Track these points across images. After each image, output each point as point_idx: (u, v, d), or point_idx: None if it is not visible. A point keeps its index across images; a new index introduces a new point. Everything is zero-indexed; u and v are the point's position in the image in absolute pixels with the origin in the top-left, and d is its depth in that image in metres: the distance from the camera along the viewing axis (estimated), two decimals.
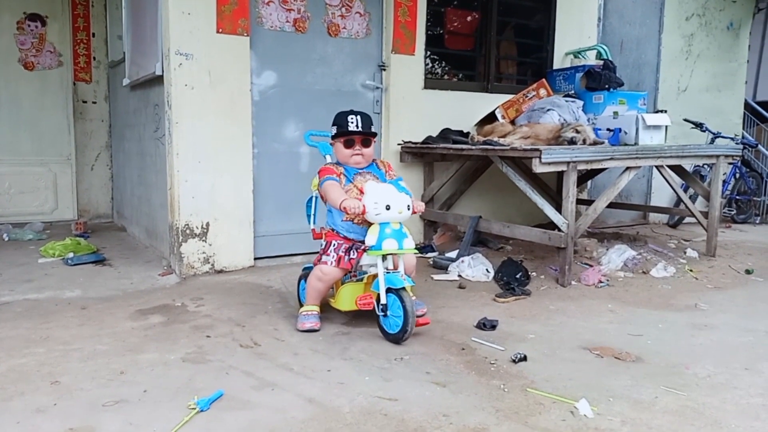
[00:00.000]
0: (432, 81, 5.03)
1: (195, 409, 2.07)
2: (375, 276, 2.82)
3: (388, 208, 2.73)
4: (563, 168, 3.70)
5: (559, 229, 3.75)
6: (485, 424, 2.01)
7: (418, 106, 4.80)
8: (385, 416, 2.06)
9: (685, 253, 4.64)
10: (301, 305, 3.06)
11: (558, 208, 3.86)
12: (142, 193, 4.95)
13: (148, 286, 3.69)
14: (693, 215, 4.71)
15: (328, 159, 3.17)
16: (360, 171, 2.99)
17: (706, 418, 2.08)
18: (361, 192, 2.85)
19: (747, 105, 7.90)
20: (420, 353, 2.62)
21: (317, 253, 4.41)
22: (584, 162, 3.81)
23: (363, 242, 2.84)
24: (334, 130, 2.97)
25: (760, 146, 7.45)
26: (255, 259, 4.15)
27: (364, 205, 2.73)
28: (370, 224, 2.83)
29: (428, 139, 4.73)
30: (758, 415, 2.12)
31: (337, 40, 4.46)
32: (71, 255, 4.27)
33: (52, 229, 5.49)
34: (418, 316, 2.87)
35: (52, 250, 4.36)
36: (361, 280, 2.93)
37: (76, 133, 5.99)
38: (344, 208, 2.73)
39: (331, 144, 3.07)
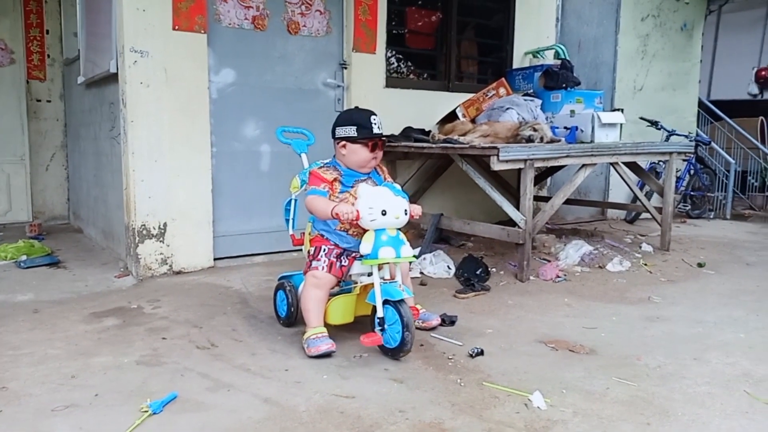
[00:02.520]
0: (394, 80, 5.05)
1: (147, 412, 2.04)
2: (368, 286, 2.62)
3: (384, 213, 2.49)
4: (521, 165, 3.76)
5: (518, 226, 3.80)
6: (441, 418, 2.03)
7: (380, 105, 4.78)
8: (342, 414, 2.06)
9: (640, 247, 4.76)
10: (279, 318, 2.92)
11: (518, 205, 3.91)
12: (98, 193, 4.84)
13: (103, 289, 3.62)
14: (647, 211, 4.84)
15: (303, 158, 3.01)
16: (362, 177, 2.72)
17: (655, 407, 2.14)
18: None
19: (701, 103, 8.15)
20: (379, 351, 2.63)
21: (281, 252, 4.40)
22: (541, 159, 3.87)
23: (355, 250, 2.65)
24: (350, 130, 2.65)
25: (713, 143, 7.70)
26: (215, 259, 4.10)
27: (357, 211, 2.49)
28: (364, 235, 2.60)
29: (390, 138, 4.73)
30: (704, 402, 2.18)
31: (297, 38, 4.44)
32: (24, 258, 4.15)
33: (6, 231, 5.33)
34: (428, 329, 2.81)
35: (4, 253, 4.24)
36: (350, 291, 2.74)
37: (30, 133, 5.83)
38: (336, 215, 2.49)
39: (341, 145, 2.69)
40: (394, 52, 5.23)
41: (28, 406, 2.09)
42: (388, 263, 2.57)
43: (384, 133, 2.74)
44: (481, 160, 4.40)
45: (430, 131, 4.88)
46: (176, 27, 3.81)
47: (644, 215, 5.88)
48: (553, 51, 5.75)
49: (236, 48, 4.17)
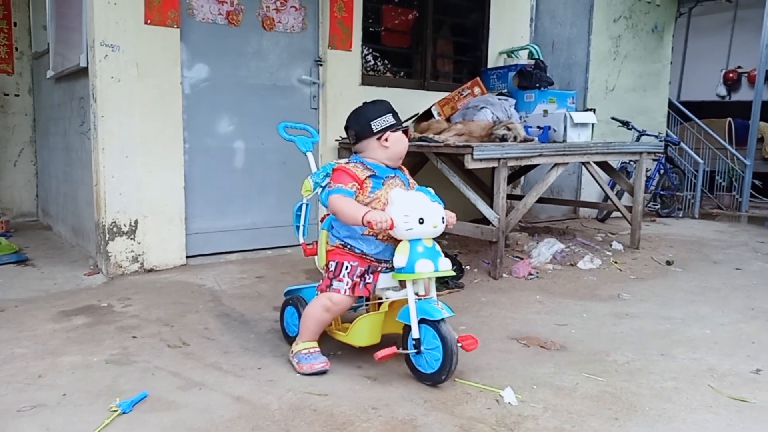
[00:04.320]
0: (370, 77, 5.05)
1: (117, 411, 2.01)
2: (398, 303, 2.36)
3: (421, 221, 2.22)
4: (494, 164, 3.79)
5: (491, 224, 3.84)
6: (413, 415, 2.04)
7: (356, 102, 4.67)
8: (314, 411, 2.05)
9: (611, 245, 4.85)
10: (288, 337, 2.65)
11: (492, 203, 3.95)
12: (68, 190, 4.75)
13: (72, 287, 3.55)
14: (618, 210, 4.92)
15: (309, 158, 2.76)
16: (391, 174, 2.45)
17: (622, 402, 2.18)
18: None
19: (672, 104, 8.32)
20: (353, 348, 2.63)
21: (256, 250, 4.33)
22: (514, 158, 3.91)
23: (381, 262, 2.39)
24: (390, 119, 2.41)
25: (682, 144, 7.86)
26: (187, 257, 4.06)
27: (391, 219, 2.22)
28: (395, 241, 2.33)
29: None
30: (670, 397, 2.23)
31: (272, 34, 4.41)
32: None
33: None
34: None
35: None
36: (362, 307, 2.54)
37: None
38: (368, 223, 2.20)
39: (384, 138, 2.40)
40: (370, 50, 5.23)
41: None
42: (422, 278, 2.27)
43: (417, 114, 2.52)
44: (456, 158, 4.43)
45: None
46: (148, 21, 3.76)
47: (615, 214, 5.98)
48: (527, 51, 5.81)
49: (210, 43, 4.13)
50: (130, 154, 3.75)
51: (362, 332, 2.39)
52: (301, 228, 2.67)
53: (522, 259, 4.23)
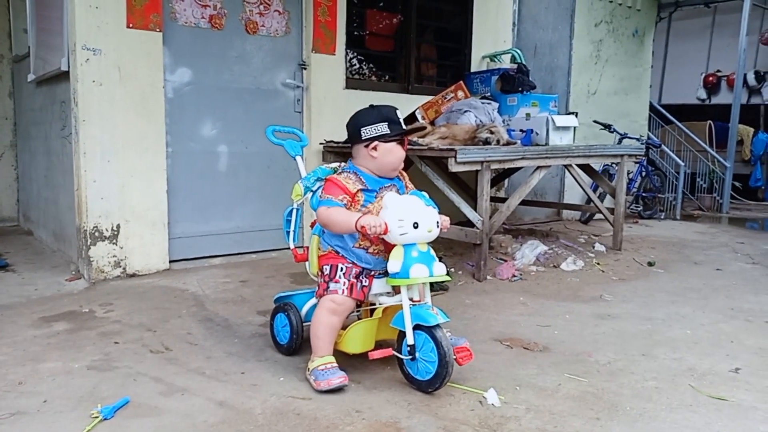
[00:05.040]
0: (354, 81, 5.06)
1: (98, 417, 1.99)
2: (391, 309, 2.33)
3: (416, 226, 2.17)
4: (477, 167, 3.82)
5: (475, 226, 3.86)
6: (396, 417, 2.05)
7: (340, 106, 4.81)
8: (298, 415, 2.05)
9: (593, 247, 4.89)
10: (279, 347, 2.60)
11: (476, 206, 3.97)
12: (49, 194, 4.70)
13: (53, 292, 3.51)
14: (600, 212, 4.97)
15: (299, 162, 2.71)
16: (386, 184, 2.39)
17: (604, 402, 2.20)
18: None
19: (653, 107, 8.43)
20: (337, 352, 2.62)
21: (240, 254, 4.30)
22: (497, 161, 3.94)
23: (375, 269, 2.37)
24: (382, 128, 2.30)
25: (663, 146, 7.96)
26: (170, 261, 4.03)
27: (385, 223, 2.17)
28: (387, 254, 2.29)
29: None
30: (651, 397, 2.26)
31: (255, 37, 4.40)
32: None
33: None
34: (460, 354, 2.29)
35: None
36: (354, 313, 2.46)
37: None
38: (362, 228, 2.15)
39: (372, 147, 2.32)
40: (354, 54, 5.24)
41: None
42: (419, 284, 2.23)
43: (419, 125, 2.45)
44: (440, 161, 4.45)
45: None
46: (130, 25, 3.74)
47: (598, 216, 6.04)
48: (510, 55, 5.85)
49: (193, 47, 4.11)
50: (112, 159, 3.72)
51: (356, 339, 2.34)
52: (292, 233, 2.62)
53: (506, 261, 4.25)
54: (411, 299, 2.24)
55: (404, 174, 2.51)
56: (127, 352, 2.61)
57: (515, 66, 5.46)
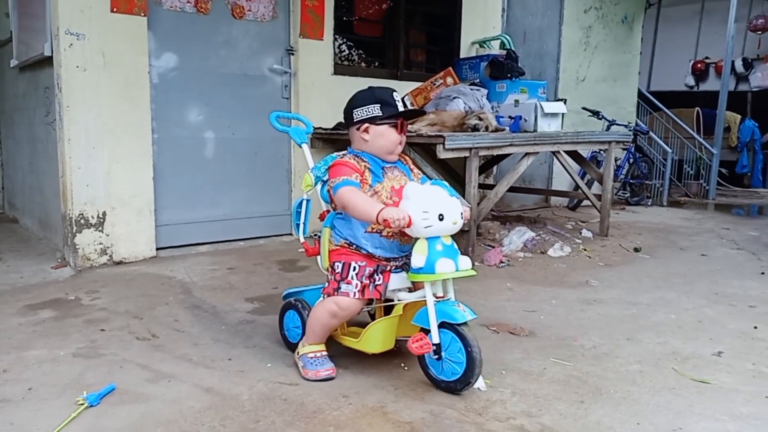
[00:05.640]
0: (342, 67, 5.03)
1: (84, 404, 1.99)
2: (410, 305, 2.23)
3: (441, 218, 2.04)
4: (466, 154, 3.82)
5: None
6: (383, 402, 2.06)
7: (328, 92, 4.78)
8: (285, 401, 2.06)
9: (580, 233, 4.92)
10: (289, 345, 2.48)
11: (464, 193, 3.97)
12: (33, 181, 4.65)
13: (39, 280, 3.49)
14: (587, 198, 5.00)
15: (305, 150, 2.59)
16: (388, 165, 2.30)
17: (588, 386, 2.23)
18: (395, 194, 2.20)
19: (641, 94, 8.45)
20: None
21: (227, 241, 4.25)
22: (485, 148, 3.94)
23: (390, 260, 2.25)
24: (373, 109, 2.23)
25: (651, 133, 8.00)
26: (157, 249, 4.01)
27: (409, 216, 2.04)
28: (403, 237, 2.21)
29: (339, 125, 4.71)
30: (635, 380, 2.29)
31: (242, 22, 4.36)
32: None
33: None
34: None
35: None
36: (366, 310, 2.37)
37: None
38: (384, 220, 2.03)
39: (364, 129, 2.26)
40: (343, 40, 5.20)
41: None
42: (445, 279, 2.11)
43: (416, 109, 2.31)
44: (429, 148, 4.45)
45: None
46: (114, 9, 3.68)
47: (586, 202, 6.07)
48: (499, 41, 5.84)
49: (178, 32, 4.07)
50: (97, 145, 3.69)
51: (376, 338, 2.23)
52: (301, 226, 2.47)
53: (494, 247, 4.27)
54: (434, 295, 2.12)
55: (407, 158, 2.43)
56: (114, 339, 2.60)
57: (504, 52, 5.44)
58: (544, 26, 6.60)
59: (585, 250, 4.46)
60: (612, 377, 2.31)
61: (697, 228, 5.73)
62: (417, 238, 2.10)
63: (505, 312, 3.07)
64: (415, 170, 2.41)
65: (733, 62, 8.89)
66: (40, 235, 4.55)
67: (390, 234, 2.21)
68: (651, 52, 10.89)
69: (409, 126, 4.33)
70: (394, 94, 2.28)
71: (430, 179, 2.39)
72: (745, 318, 3.04)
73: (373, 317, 2.50)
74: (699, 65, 10.63)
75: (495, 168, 6.00)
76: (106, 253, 3.78)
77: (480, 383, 2.18)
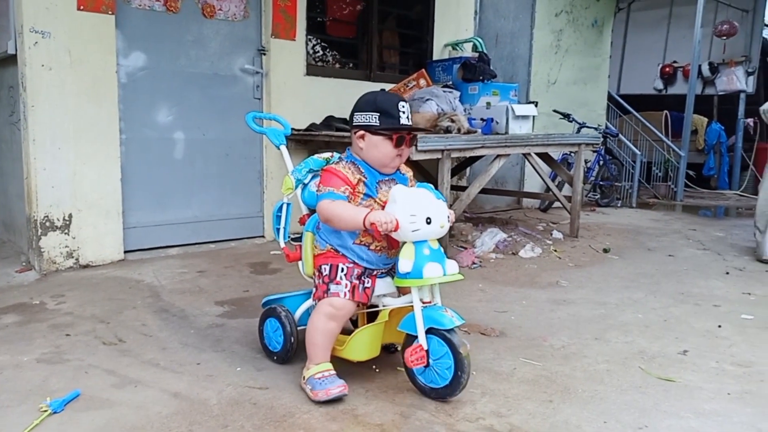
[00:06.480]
0: (315, 68, 5.01)
1: (47, 411, 1.94)
2: (395, 311, 2.17)
3: (429, 221, 2.00)
4: (438, 156, 3.84)
5: None
6: (354, 404, 2.05)
7: (301, 93, 4.76)
8: (254, 405, 2.04)
9: (551, 234, 4.98)
10: (270, 354, 2.40)
11: None
12: None
13: (3, 284, 3.40)
14: (558, 200, 5.06)
15: (284, 151, 2.48)
16: (384, 179, 2.20)
17: (557, 386, 2.25)
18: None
19: (611, 97, 8.59)
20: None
21: (198, 244, 4.19)
22: (457, 150, 3.97)
23: (377, 269, 2.20)
24: (371, 117, 2.11)
25: (621, 136, 8.13)
26: (125, 252, 3.94)
27: (396, 219, 1.98)
28: (390, 251, 2.17)
29: (312, 127, 4.70)
30: (602, 379, 2.32)
31: (212, 21, 4.31)
32: None
33: None
34: None
35: None
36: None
37: None
38: (372, 225, 1.95)
39: (359, 135, 2.15)
40: (317, 40, 5.18)
41: None
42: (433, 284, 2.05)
43: (414, 126, 2.19)
44: None
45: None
46: (81, 7, 3.61)
47: (557, 204, 6.15)
48: (472, 44, 5.88)
49: (147, 31, 4.00)
50: (63, 146, 3.61)
51: (362, 346, 2.17)
52: (282, 231, 2.38)
53: (466, 248, 4.30)
54: (422, 301, 2.08)
55: (409, 170, 2.31)
56: (79, 344, 2.54)
57: (477, 55, 5.49)
58: (515, 29, 6.67)
59: (555, 251, 4.51)
60: (580, 376, 2.34)
61: (664, 229, 5.85)
62: (403, 244, 2.05)
63: (477, 313, 3.09)
64: (414, 181, 2.31)
65: (699, 66, 9.08)
66: (4, 238, 4.43)
67: (378, 248, 2.15)
68: (621, 55, 11.06)
69: None
70: (401, 104, 2.13)
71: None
72: (710, 317, 3.11)
73: (355, 324, 2.43)
74: (667, 69, 10.83)
75: (468, 170, 6.04)
76: (73, 257, 3.71)
77: None
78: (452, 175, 4.46)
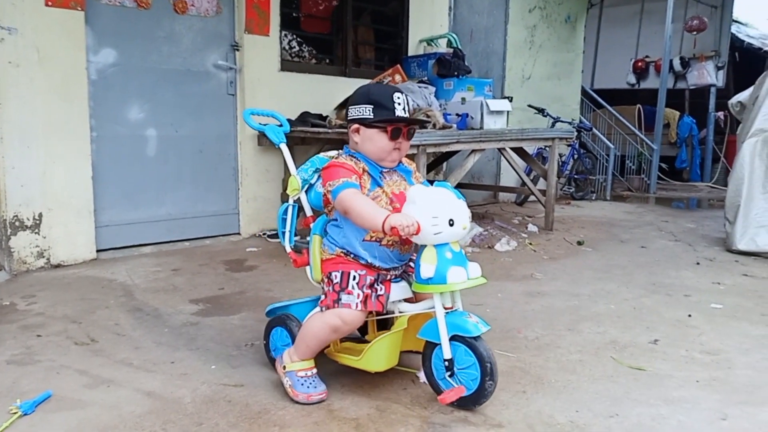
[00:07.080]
0: (289, 63, 4.98)
1: (17, 413, 1.91)
2: (416, 316, 2.06)
3: (451, 223, 1.88)
4: (414, 151, 3.84)
5: None
6: (329, 399, 2.06)
7: (275, 89, 4.73)
8: (229, 402, 2.03)
9: (526, 228, 5.04)
10: (273, 361, 2.25)
11: None
12: None
13: None
14: (533, 193, 5.11)
15: (284, 150, 2.38)
16: (385, 170, 2.10)
17: (531, 376, 2.28)
18: (396, 200, 2.02)
19: (585, 92, 8.68)
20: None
21: (172, 242, 4.12)
22: (433, 145, 3.98)
23: (389, 270, 2.08)
24: (365, 110, 2.03)
25: (594, 129, 8.24)
26: (98, 251, 3.89)
27: (417, 222, 1.86)
28: (403, 246, 2.06)
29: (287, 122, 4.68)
30: (575, 369, 2.36)
31: (184, 17, 4.26)
32: None
33: None
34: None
35: None
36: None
37: None
38: (393, 229, 1.83)
39: (354, 129, 2.09)
40: (292, 36, 5.16)
41: None
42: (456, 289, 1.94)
43: (410, 118, 2.09)
44: None
45: (327, 117, 4.87)
46: (49, 3, 3.55)
47: (532, 198, 6.21)
48: (446, 39, 5.90)
49: (118, 27, 3.95)
50: (32, 144, 3.55)
51: (380, 356, 2.04)
52: (287, 234, 2.26)
53: None
54: (444, 307, 1.97)
55: (411, 161, 2.24)
56: (50, 345, 2.51)
57: (451, 50, 5.51)
58: (490, 25, 6.71)
59: (530, 244, 4.56)
60: (553, 367, 2.37)
61: (637, 221, 5.94)
62: (422, 246, 1.94)
63: None
64: (418, 174, 2.23)
65: (671, 61, 9.24)
66: None
67: (390, 243, 2.04)
68: (594, 51, 11.18)
69: None
70: (395, 95, 2.04)
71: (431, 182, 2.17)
72: (680, 307, 3.18)
73: (361, 331, 2.30)
74: (640, 64, 10.98)
75: (445, 165, 6.07)
76: (44, 256, 3.65)
77: (422, 375, 2.18)
78: (428, 171, 4.48)
